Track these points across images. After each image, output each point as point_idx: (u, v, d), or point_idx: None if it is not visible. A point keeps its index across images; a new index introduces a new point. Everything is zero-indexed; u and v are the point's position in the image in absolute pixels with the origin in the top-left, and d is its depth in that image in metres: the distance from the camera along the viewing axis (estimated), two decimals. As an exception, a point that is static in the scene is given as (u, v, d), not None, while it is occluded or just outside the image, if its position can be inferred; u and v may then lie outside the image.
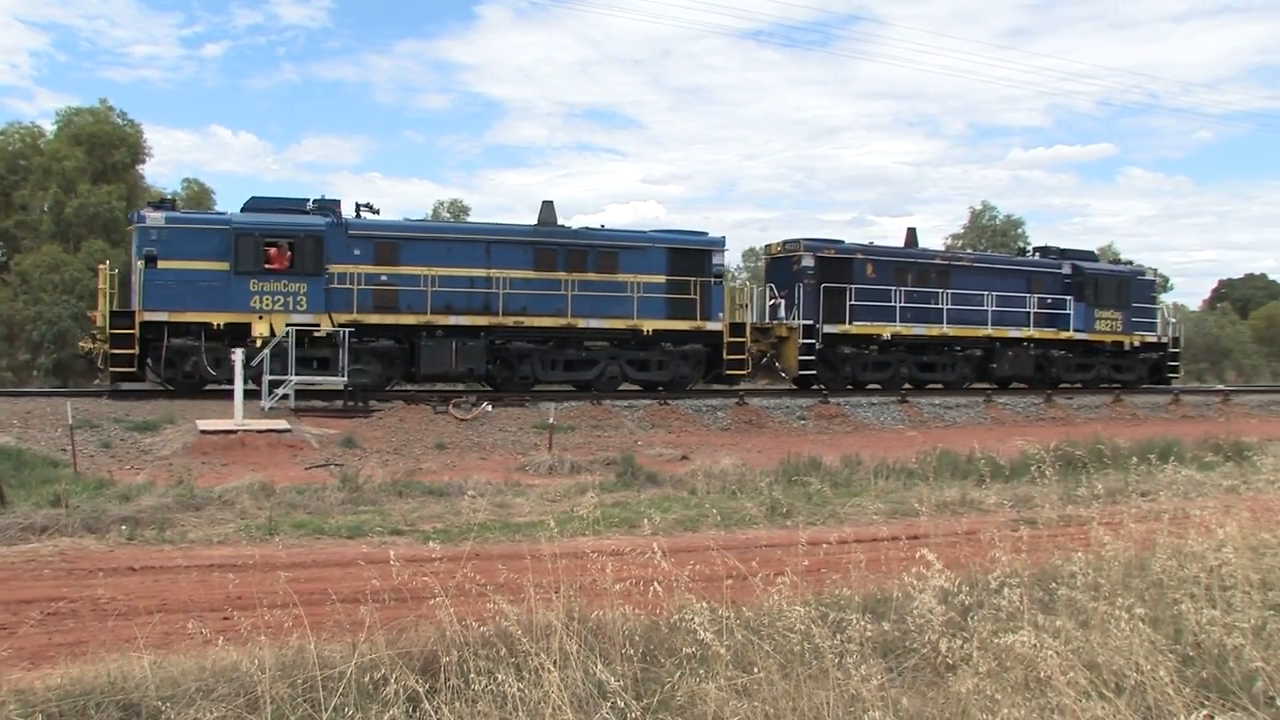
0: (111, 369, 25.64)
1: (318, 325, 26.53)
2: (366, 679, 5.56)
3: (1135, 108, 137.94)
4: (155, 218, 26.13)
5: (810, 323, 31.85)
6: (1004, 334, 34.97)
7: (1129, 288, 37.86)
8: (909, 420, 28.67)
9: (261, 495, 15.09)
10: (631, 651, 5.91)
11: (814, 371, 32.19)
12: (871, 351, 33.43)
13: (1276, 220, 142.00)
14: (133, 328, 25.18)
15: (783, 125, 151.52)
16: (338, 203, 28.19)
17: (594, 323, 29.20)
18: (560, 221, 30.29)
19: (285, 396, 24.78)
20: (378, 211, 28.66)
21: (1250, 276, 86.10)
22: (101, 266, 26.98)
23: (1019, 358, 35.43)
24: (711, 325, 30.40)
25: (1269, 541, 7.80)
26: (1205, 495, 10.10)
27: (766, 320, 32.77)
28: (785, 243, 34.30)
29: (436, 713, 5.27)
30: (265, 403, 24.25)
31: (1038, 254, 39.14)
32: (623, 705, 5.17)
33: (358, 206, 28.54)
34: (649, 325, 29.68)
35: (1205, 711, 4.97)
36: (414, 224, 29.89)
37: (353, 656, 5.80)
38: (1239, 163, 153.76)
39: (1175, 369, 39.62)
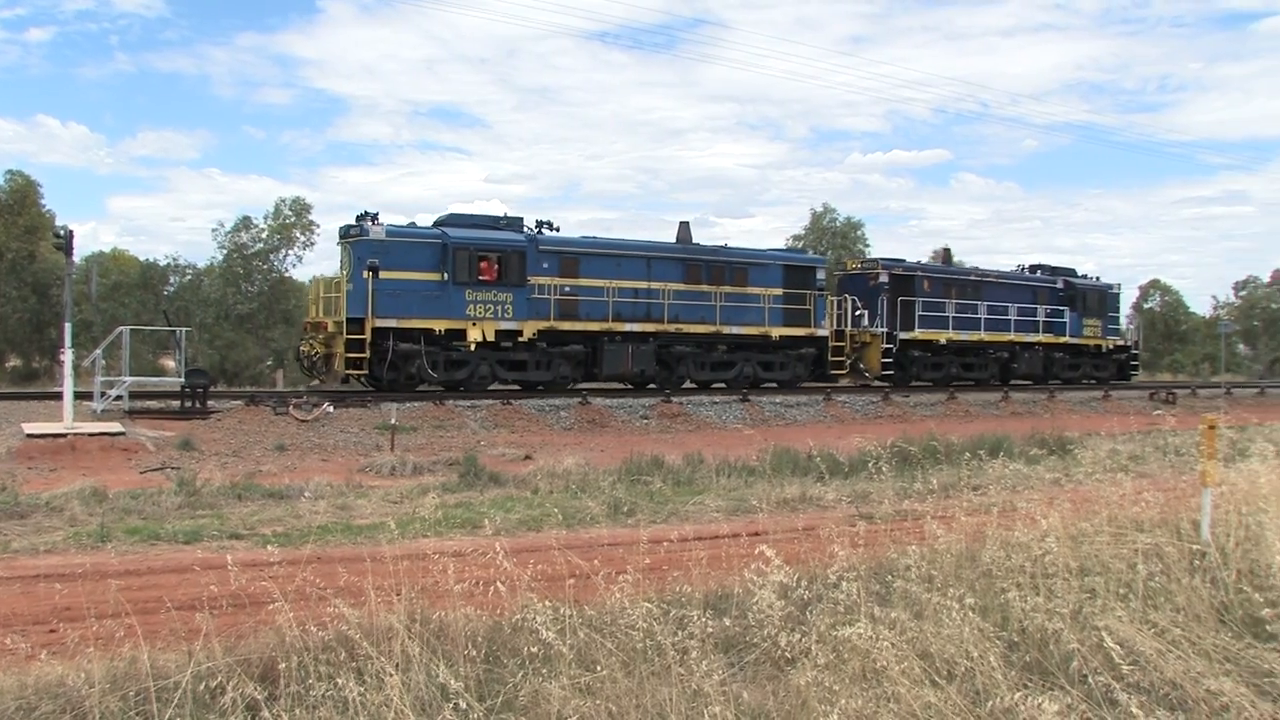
0: (347, 371, 27.33)
1: (520, 331, 29.44)
2: (202, 688, 5.44)
3: (968, 116, 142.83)
4: (378, 230, 28.09)
5: (890, 330, 37.14)
6: (1023, 339, 41.19)
7: (1105, 300, 44.77)
8: (750, 419, 29.03)
9: (93, 501, 14.55)
10: (474, 653, 5.88)
11: (892, 371, 37.09)
12: (928, 355, 38.81)
13: (1095, 226, 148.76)
14: (363, 333, 27.03)
15: (628, 126, 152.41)
16: (521, 220, 31.04)
17: (735, 329, 33.37)
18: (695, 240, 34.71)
19: (119, 398, 24.01)
20: (557, 229, 31.50)
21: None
22: (315, 278, 30.37)
23: (1032, 359, 41.64)
24: (820, 331, 35.29)
25: (1087, 530, 8.16)
26: (1031, 488, 10.47)
27: (848, 328, 36.54)
28: (863, 261, 40.86)
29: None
30: (97, 404, 23.46)
31: (1039, 271, 44.77)
32: (465, 707, 5.15)
33: (539, 224, 31.27)
34: (776, 331, 34.21)
35: (1025, 692, 5.18)
36: (589, 240, 32.71)
37: (189, 665, 5.65)
38: (1062, 171, 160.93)
39: (1136, 368, 46.95)
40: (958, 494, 10.47)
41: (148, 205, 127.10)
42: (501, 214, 31.02)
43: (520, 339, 29.53)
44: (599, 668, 5.69)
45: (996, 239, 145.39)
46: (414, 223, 29.73)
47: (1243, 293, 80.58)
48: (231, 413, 24.54)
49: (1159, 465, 14.50)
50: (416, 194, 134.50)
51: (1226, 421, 10.14)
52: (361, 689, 5.23)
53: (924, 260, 42.01)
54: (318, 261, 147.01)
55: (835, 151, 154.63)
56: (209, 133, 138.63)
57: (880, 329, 37.03)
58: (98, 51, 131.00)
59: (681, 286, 32.53)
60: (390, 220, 29.11)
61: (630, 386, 32.82)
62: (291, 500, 15.07)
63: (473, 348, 28.71)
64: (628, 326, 31.20)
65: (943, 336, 38.73)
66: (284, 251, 53.23)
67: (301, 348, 29.45)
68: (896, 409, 32.58)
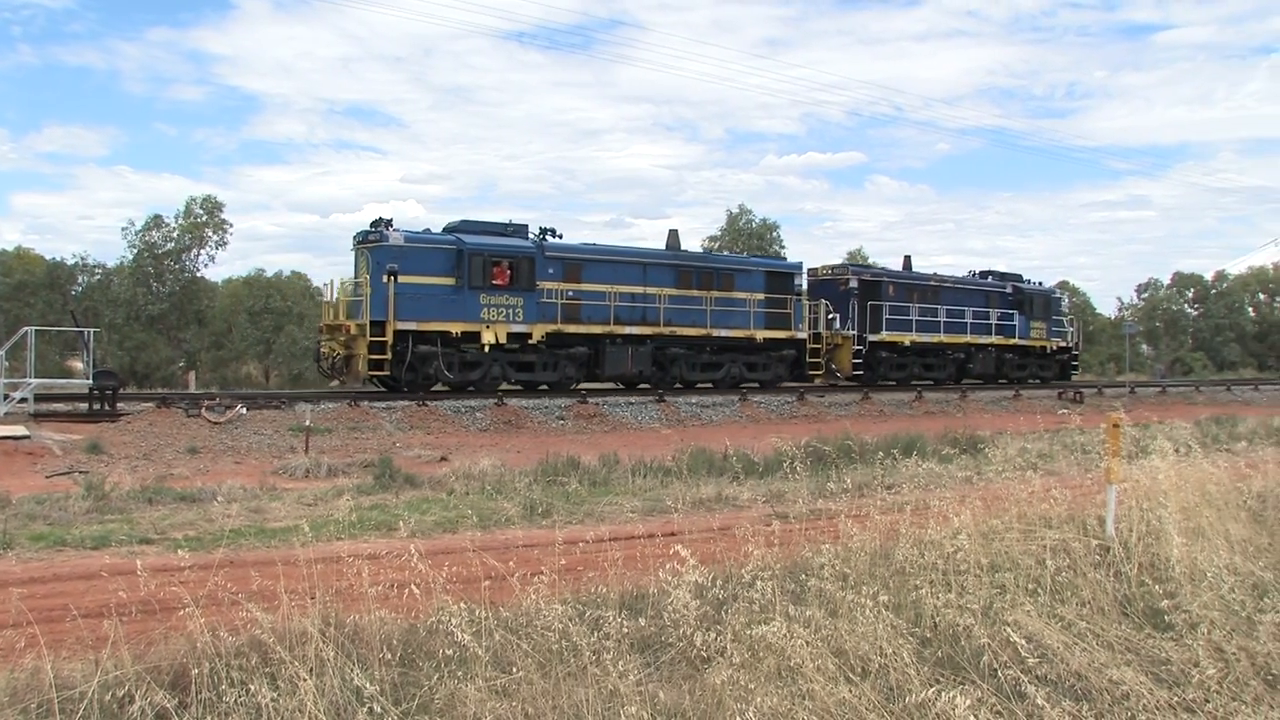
0: (370, 373, 28.31)
1: (530, 334, 30.60)
2: (110, 698, 5.31)
3: (882, 119, 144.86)
4: (397, 236, 29.02)
5: (860, 333, 39.08)
6: (977, 341, 43.37)
7: (1050, 303, 47.27)
8: (666, 419, 29.08)
9: (-5, 506, 14.21)
10: (389, 656, 5.84)
11: (861, 372, 39.05)
12: (894, 355, 40.61)
13: (1006, 228, 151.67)
14: (385, 335, 27.96)
15: (544, 127, 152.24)
16: (526, 227, 32.26)
17: (723, 332, 34.98)
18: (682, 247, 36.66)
19: (24, 400, 23.47)
20: (561, 236, 32.63)
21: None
22: (329, 282, 31.35)
23: (986, 359, 43.73)
24: (800, 334, 37.02)
25: (997, 528, 8.33)
26: (944, 486, 10.60)
27: (824, 330, 38.59)
28: (834, 267, 42.14)
29: (186, 727, 5.12)
30: (0, 407, 22.90)
31: (990, 277, 46.72)
32: (380, 710, 5.13)
33: (543, 231, 32.43)
34: (760, 334, 35.83)
35: (937, 687, 5.28)
36: (591, 246, 33.66)
37: (95, 675, 5.52)
38: (974, 174, 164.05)
39: (1076, 367, 49.89)
40: (872, 493, 10.57)
41: (54, 203, 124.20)
42: (508, 221, 32.03)
43: (529, 341, 30.79)
44: (515, 669, 5.69)
45: (911, 241, 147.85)
46: (428, 229, 30.87)
47: (1145, 295, 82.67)
48: (142, 415, 24.08)
49: (1067, 463, 14.82)
50: (332, 193, 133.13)
51: (1130, 420, 10.38)
52: (275, 694, 5.17)
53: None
54: (231, 261, 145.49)
55: (751, 153, 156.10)
56: (118, 129, 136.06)
57: (851, 331, 38.96)
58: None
59: (675, 292, 34.06)
60: (407, 227, 30.10)
61: (623, 386, 34.15)
62: (204, 503, 14.85)
63: (486, 349, 29.86)
64: (627, 329, 32.64)
65: (907, 339, 40.67)
66: (196, 251, 52.49)
67: (321, 349, 30.19)
68: (811, 409, 32.82)
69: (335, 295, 30.99)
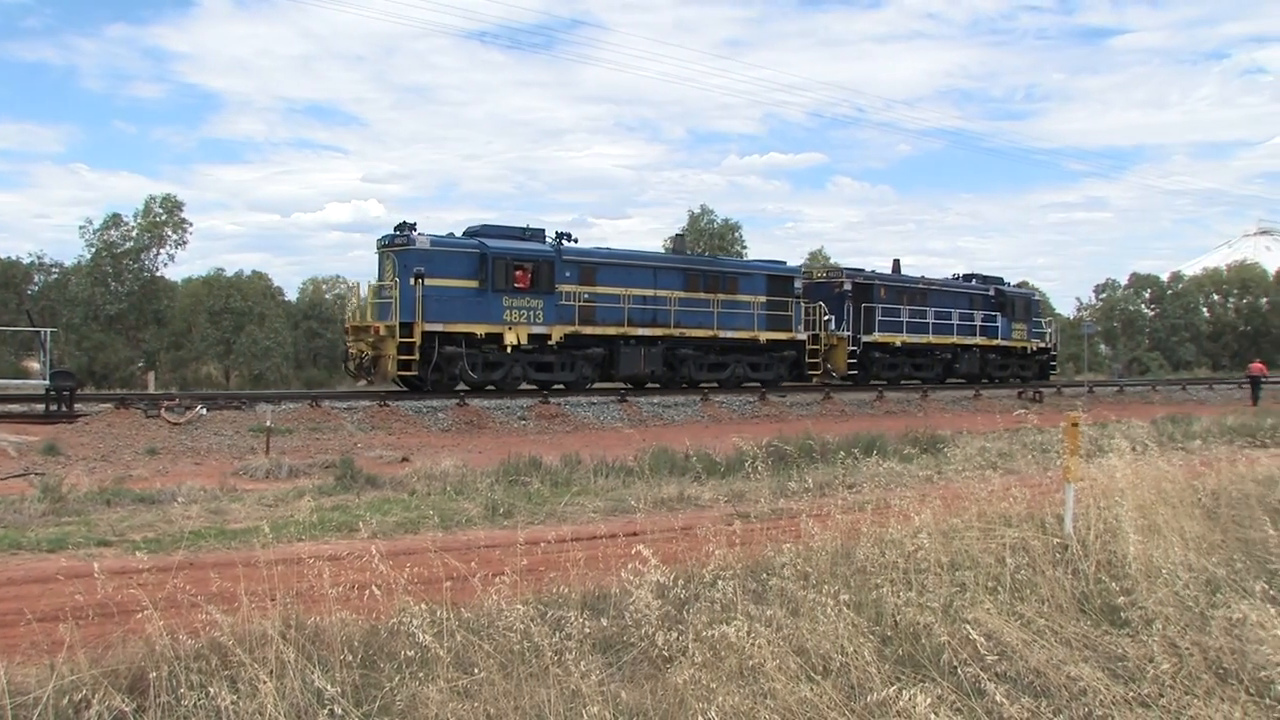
0: (399, 373, 29.16)
1: (549, 335, 31.61)
2: (65, 702, 5.26)
3: (843, 120, 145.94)
4: (423, 240, 29.93)
5: (854, 334, 40.57)
6: (963, 341, 45.05)
7: (1030, 306, 49.52)
8: (628, 419, 29.07)
9: (-52, 510, 14.03)
10: (351, 658, 5.82)
11: (856, 371, 40.61)
12: (886, 356, 42.01)
13: (966, 229, 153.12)
14: (413, 336, 28.84)
15: (505, 126, 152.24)
16: (542, 231, 33.26)
17: (729, 334, 36.35)
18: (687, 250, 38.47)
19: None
20: (576, 240, 33.62)
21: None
22: (356, 283, 32.75)
23: (971, 360, 45.40)
24: (799, 335, 38.38)
25: (957, 526, 8.40)
26: (905, 485, 10.69)
27: (821, 332, 39.86)
28: (828, 270, 44.77)
29: (145, 731, 5.08)
30: (-47, 409, 22.66)
31: (973, 280, 48.44)
32: (342, 712, 5.11)
33: (559, 235, 33.49)
34: (763, 335, 37.28)
35: (899, 685, 5.31)
36: (605, 250, 35.00)
37: (51, 680, 5.47)
38: (934, 175, 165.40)
39: (1054, 368, 51.61)
40: (833, 492, 10.62)
41: (8, 201, 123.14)
42: (525, 225, 32.96)
43: (548, 342, 31.81)
44: (477, 670, 5.68)
45: (872, 240, 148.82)
46: (451, 233, 31.65)
47: (1103, 295, 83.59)
48: (100, 416, 23.85)
49: (1026, 462, 14.92)
50: (292, 192, 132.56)
51: (1088, 419, 10.49)
52: (235, 697, 5.14)
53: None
54: (190, 260, 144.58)
55: (712, 153, 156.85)
56: (76, 127, 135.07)
57: (845, 332, 40.41)
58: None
59: (683, 294, 35.31)
60: (432, 231, 31.04)
61: (631, 386, 34.94)
62: (163, 505, 14.72)
63: (509, 350, 30.83)
64: (640, 331, 33.88)
65: (898, 339, 42.18)
66: (155, 250, 52.12)
67: (349, 350, 30.95)
68: (773, 409, 32.93)
69: (363, 297, 31.79)
